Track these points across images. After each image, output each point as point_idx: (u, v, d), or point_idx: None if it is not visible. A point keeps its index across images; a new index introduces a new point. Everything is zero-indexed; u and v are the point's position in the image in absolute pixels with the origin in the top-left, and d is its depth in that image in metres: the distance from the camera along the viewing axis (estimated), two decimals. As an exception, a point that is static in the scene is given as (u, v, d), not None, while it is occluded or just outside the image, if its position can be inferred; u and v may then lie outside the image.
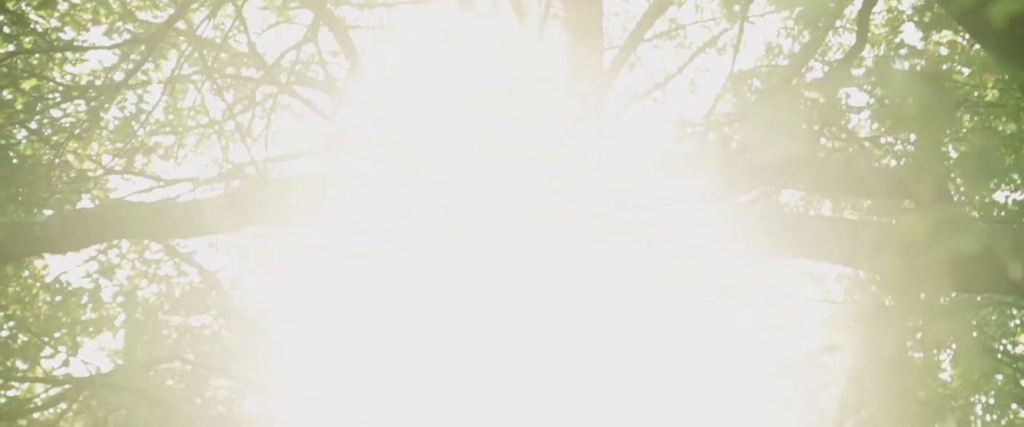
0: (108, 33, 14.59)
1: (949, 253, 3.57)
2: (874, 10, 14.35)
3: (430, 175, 10.93)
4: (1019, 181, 13.88)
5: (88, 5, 14.52)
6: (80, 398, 15.63)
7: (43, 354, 15.50)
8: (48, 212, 13.35)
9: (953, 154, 13.75)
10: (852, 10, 14.64)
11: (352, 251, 13.23)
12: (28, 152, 13.92)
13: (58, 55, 14.40)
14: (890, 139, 14.59)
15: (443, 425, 14.22)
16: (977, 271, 8.14)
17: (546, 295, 12.50)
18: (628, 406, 13.87)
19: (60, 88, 14.13)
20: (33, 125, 13.97)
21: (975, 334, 15.13)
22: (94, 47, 14.03)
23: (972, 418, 15.83)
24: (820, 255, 8.90)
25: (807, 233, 8.74)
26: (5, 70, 13.61)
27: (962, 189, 13.09)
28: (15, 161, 13.19)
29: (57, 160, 13.76)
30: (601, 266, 11.94)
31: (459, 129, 11.61)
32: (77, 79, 14.59)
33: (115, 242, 15.89)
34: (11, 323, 15.18)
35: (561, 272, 11.73)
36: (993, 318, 15.31)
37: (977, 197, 13.65)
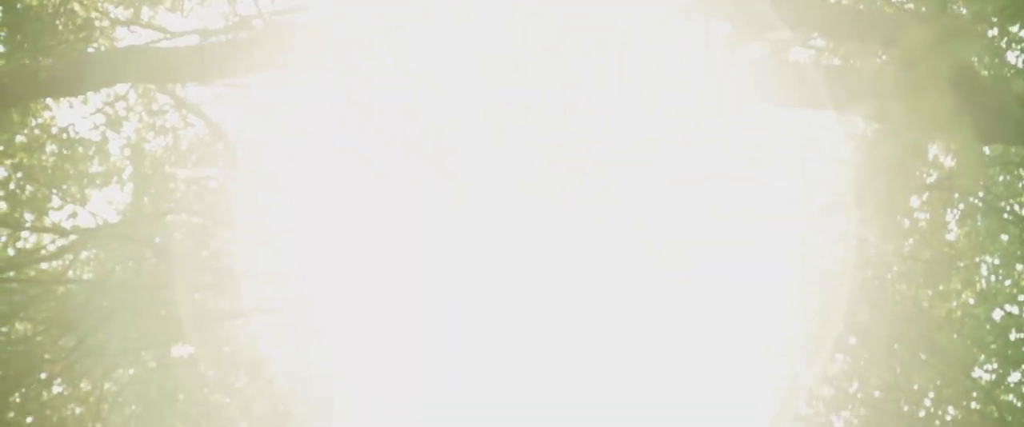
0: None
1: (951, 62, 3.53)
2: None
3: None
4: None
5: None
6: (88, 248, 15.71)
7: (51, 205, 15.53)
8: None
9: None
10: None
11: (353, 101, 13.21)
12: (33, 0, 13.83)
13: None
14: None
15: (435, 275, 14.33)
16: (993, 122, 8.09)
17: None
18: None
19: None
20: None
21: (982, 194, 15.11)
22: None
23: (977, 278, 15.88)
24: (817, 102, 8.84)
25: (803, 80, 8.67)
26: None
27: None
28: (20, 7, 13.09)
29: (63, 8, 13.67)
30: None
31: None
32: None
33: (122, 94, 15.86)
34: (19, 173, 15.18)
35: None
36: (1001, 179, 15.26)
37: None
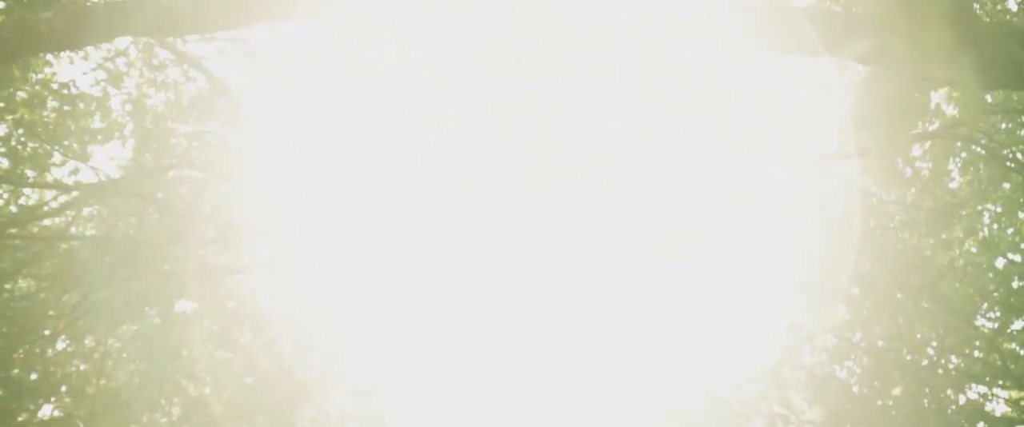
0: None
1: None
2: None
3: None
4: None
5: None
6: (90, 205, 15.72)
7: (52, 161, 15.52)
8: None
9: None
10: None
11: (357, 54, 13.17)
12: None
13: None
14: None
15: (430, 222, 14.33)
16: (994, 66, 8.05)
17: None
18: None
19: None
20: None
21: (983, 141, 15.09)
22: None
23: (979, 227, 15.87)
24: (817, 48, 8.79)
25: (802, 25, 8.62)
26: None
27: None
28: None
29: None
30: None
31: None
32: None
33: (122, 49, 15.83)
34: (20, 130, 15.16)
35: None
36: (1003, 126, 15.23)
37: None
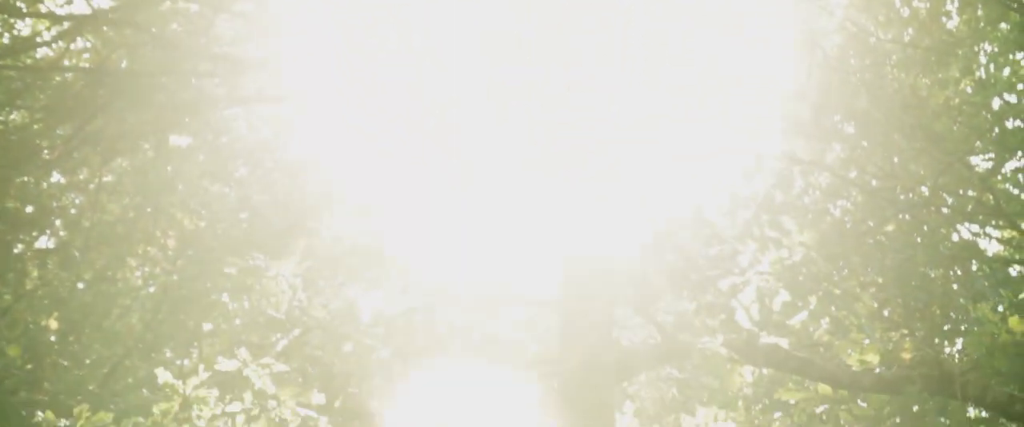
0: None
1: None
2: None
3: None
4: None
5: None
6: (84, 36, 15.59)
7: (45, -8, 15.38)
8: None
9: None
10: None
11: None
12: None
13: None
14: None
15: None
16: None
17: None
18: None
19: None
20: None
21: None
22: None
23: (976, 66, 15.85)
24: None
25: None
26: None
27: None
28: None
29: None
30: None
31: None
32: None
33: None
34: (12, -42, 15.01)
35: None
36: (1003, -36, 15.15)
37: None
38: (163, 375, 9.28)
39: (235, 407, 9.42)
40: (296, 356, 14.99)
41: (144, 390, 15.04)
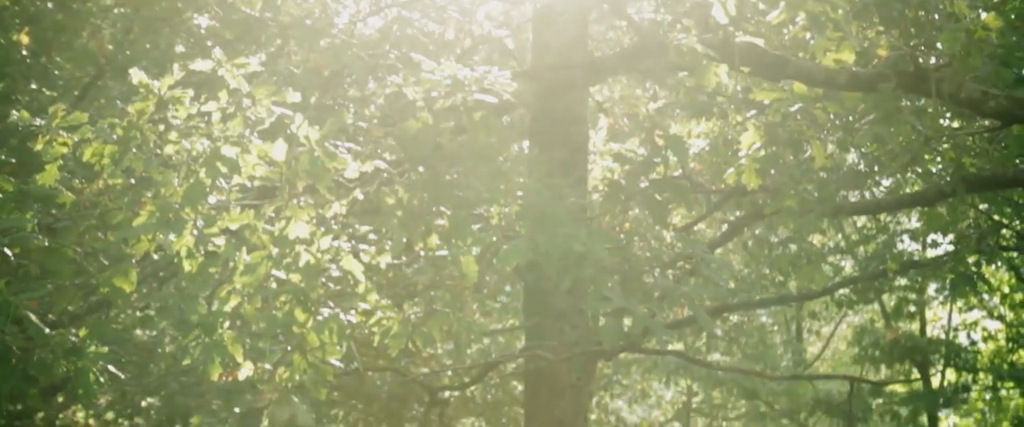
0: None
1: None
2: None
3: None
4: None
5: None
6: None
7: None
8: None
9: None
10: None
11: None
12: None
13: None
14: None
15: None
16: None
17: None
18: None
19: None
20: None
21: None
22: None
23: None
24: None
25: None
26: None
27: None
28: None
29: None
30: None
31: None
32: None
33: None
34: None
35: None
36: None
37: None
38: (137, 74, 9.25)
39: (210, 107, 9.44)
40: (272, 56, 14.98)
41: (118, 102, 15.01)
